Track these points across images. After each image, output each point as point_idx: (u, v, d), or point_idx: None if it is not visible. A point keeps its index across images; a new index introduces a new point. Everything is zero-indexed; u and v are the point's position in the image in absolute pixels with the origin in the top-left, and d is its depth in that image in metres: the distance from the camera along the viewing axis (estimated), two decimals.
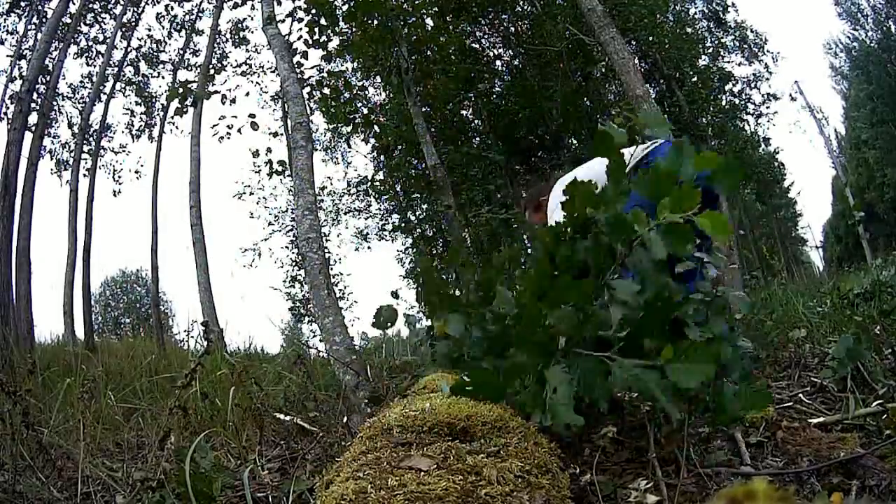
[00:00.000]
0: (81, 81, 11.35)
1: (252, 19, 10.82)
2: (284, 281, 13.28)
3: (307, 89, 4.51)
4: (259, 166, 12.56)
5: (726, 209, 9.75)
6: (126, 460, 1.58)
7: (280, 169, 6.37)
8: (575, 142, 11.36)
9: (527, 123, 10.34)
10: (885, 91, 18.69)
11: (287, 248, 13.44)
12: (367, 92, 11.33)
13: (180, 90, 4.25)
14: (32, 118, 7.34)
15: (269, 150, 4.62)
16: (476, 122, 11.59)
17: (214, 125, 4.43)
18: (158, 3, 11.34)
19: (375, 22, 6.52)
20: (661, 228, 0.97)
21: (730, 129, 11.64)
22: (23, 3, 9.84)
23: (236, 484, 1.30)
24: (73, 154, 10.62)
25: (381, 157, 12.31)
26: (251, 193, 13.93)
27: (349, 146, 13.48)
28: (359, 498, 0.68)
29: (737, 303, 1.27)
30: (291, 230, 13.11)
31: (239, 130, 4.40)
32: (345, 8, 4.69)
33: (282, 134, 11.84)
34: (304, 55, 4.19)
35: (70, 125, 11.33)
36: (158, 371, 2.83)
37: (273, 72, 9.93)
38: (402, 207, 12.97)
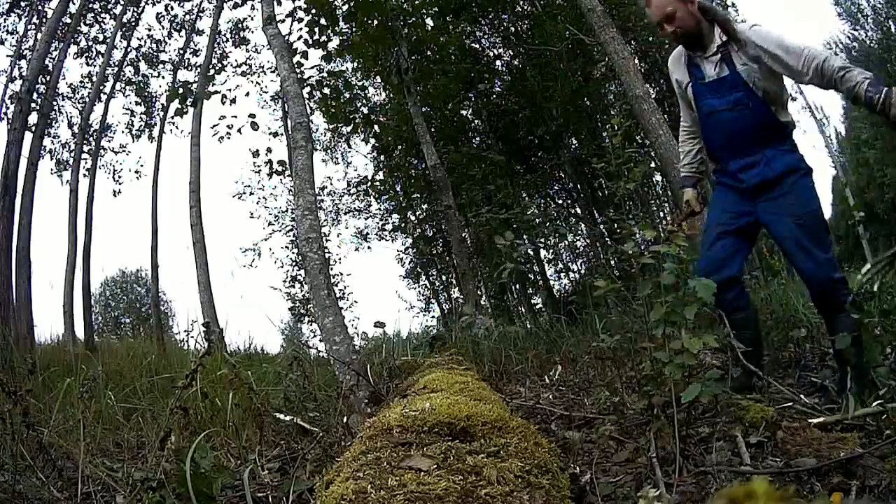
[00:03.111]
0: (81, 81, 11.35)
1: (252, 19, 10.80)
2: (284, 281, 13.28)
3: (307, 89, 4.51)
4: (259, 166, 12.56)
5: None
6: (126, 460, 1.58)
7: (280, 169, 6.37)
8: (575, 142, 11.36)
9: (527, 123, 10.33)
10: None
11: (287, 248, 13.45)
12: (367, 92, 11.34)
13: (180, 90, 4.25)
14: (32, 118, 7.33)
15: (269, 150, 4.62)
16: (476, 122, 11.59)
17: (214, 125, 4.44)
18: (158, 3, 11.34)
19: (375, 22, 6.51)
20: None
21: None
22: (23, 3, 9.84)
23: (236, 484, 1.30)
24: (73, 154, 10.61)
25: (381, 157, 12.31)
26: (251, 193, 13.93)
27: (349, 146, 13.47)
28: (359, 498, 0.68)
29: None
30: (291, 230, 13.11)
31: (239, 130, 4.40)
32: (345, 8, 4.69)
33: (282, 134, 11.84)
34: (304, 55, 4.19)
35: (70, 125, 11.33)
36: (158, 371, 2.83)
37: (273, 72, 9.93)
38: (402, 207, 12.97)
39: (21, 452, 1.32)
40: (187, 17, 11.69)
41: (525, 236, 10.34)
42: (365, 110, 10.87)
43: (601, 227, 10.79)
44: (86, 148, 10.73)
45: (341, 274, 13.28)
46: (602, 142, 11.05)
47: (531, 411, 1.91)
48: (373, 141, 11.86)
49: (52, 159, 11.22)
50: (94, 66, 11.12)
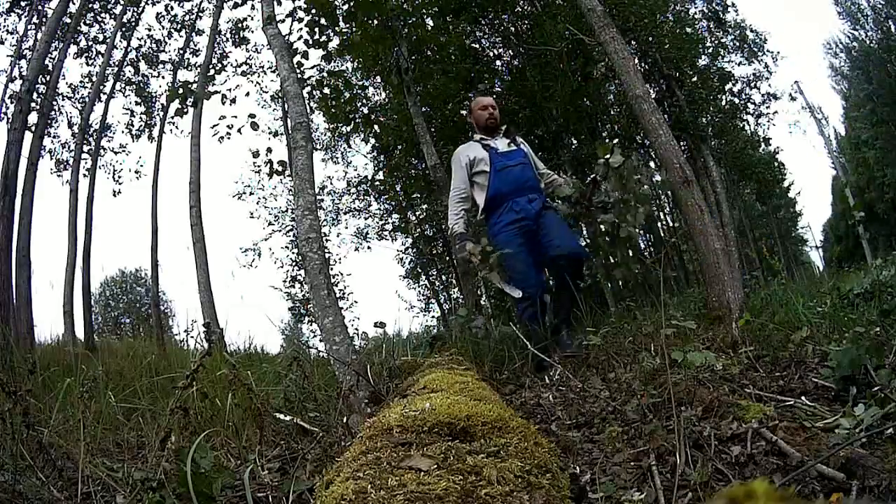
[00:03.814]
0: (81, 81, 11.36)
1: (252, 19, 10.79)
2: (284, 281, 13.31)
3: (307, 89, 4.50)
4: (259, 166, 12.60)
5: (726, 209, 9.75)
6: (126, 460, 1.58)
7: (280, 169, 6.37)
8: (575, 142, 11.35)
9: (527, 123, 10.33)
10: (885, 91, 18.68)
11: (287, 248, 13.47)
12: (367, 92, 11.34)
13: (180, 90, 4.24)
14: (32, 118, 7.34)
15: (269, 150, 4.59)
16: None
17: (214, 125, 4.42)
18: (158, 3, 11.35)
19: (375, 22, 6.51)
20: None
21: (730, 129, 11.63)
22: (23, 3, 9.84)
23: (236, 484, 1.30)
24: (73, 154, 10.62)
25: (381, 157, 12.32)
26: (251, 193, 13.95)
27: (349, 146, 13.48)
28: (359, 498, 0.68)
29: None
30: (291, 230, 13.12)
31: (239, 130, 4.39)
32: (345, 8, 4.68)
33: (282, 134, 11.86)
34: (305, 55, 4.19)
35: (70, 125, 11.33)
36: (158, 371, 2.83)
37: (273, 72, 9.93)
38: (402, 207, 12.98)
39: (21, 452, 1.32)
40: (187, 17, 11.70)
41: None
42: (365, 110, 10.88)
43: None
44: (86, 148, 10.74)
45: (341, 274, 13.32)
46: (602, 142, 11.03)
47: (531, 411, 1.91)
48: (373, 141, 11.87)
49: (52, 159, 11.24)
50: (94, 66, 11.14)
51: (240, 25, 11.33)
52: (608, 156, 2.79)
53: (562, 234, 2.88)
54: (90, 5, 10.61)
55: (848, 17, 21.05)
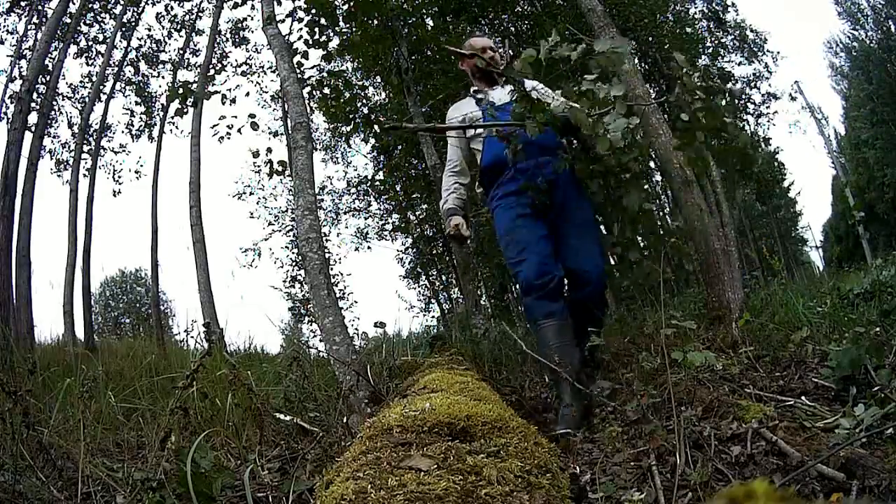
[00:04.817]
0: (81, 81, 11.36)
1: (252, 19, 10.81)
2: (284, 281, 13.30)
3: (307, 89, 4.50)
4: (259, 166, 12.60)
5: (726, 209, 9.74)
6: (126, 460, 1.58)
7: (280, 169, 6.37)
8: (575, 141, 11.34)
9: None
10: (885, 91, 18.69)
11: (287, 248, 13.47)
12: (367, 92, 11.33)
13: (180, 90, 4.24)
14: (32, 118, 7.34)
15: (269, 150, 4.58)
16: None
17: (214, 125, 4.41)
18: (158, 3, 11.35)
19: (375, 22, 6.51)
20: None
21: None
22: (23, 3, 9.84)
23: (236, 484, 1.30)
24: (73, 154, 10.61)
25: (381, 157, 12.31)
26: (251, 193, 13.95)
27: (349, 146, 13.48)
28: (359, 498, 0.68)
29: None
30: (291, 230, 13.12)
31: (239, 130, 4.38)
32: (345, 8, 4.68)
33: (282, 134, 11.86)
34: (305, 55, 4.18)
35: (70, 125, 11.33)
36: (158, 371, 2.83)
37: (273, 72, 9.92)
38: (402, 207, 12.97)
39: (21, 452, 1.32)
40: (187, 17, 11.70)
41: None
42: (365, 110, 10.87)
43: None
44: (86, 148, 10.74)
45: (341, 274, 13.31)
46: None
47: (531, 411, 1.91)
48: (373, 141, 11.86)
49: (52, 159, 11.24)
50: (94, 66, 11.13)
51: (240, 25, 11.34)
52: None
53: (589, 248, 2.18)
54: (90, 5, 10.61)
55: (848, 17, 21.06)
